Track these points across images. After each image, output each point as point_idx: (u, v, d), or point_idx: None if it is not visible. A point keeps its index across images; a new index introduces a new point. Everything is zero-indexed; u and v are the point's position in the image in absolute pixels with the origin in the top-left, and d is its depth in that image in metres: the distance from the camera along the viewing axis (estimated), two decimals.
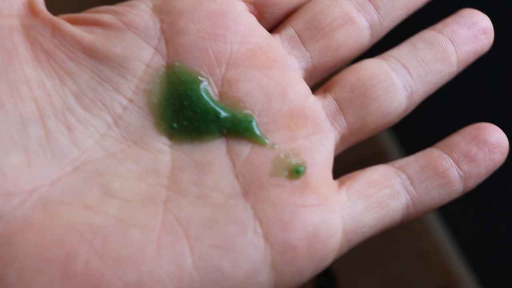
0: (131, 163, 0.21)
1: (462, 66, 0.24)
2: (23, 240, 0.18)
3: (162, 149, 0.21)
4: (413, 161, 0.23)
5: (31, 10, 0.21)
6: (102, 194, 0.20)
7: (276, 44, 0.23)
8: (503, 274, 0.67)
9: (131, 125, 0.21)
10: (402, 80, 0.23)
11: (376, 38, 0.24)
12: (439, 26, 0.24)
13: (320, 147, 0.22)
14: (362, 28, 0.24)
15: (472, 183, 0.23)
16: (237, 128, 0.22)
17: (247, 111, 0.22)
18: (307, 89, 0.23)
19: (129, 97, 0.21)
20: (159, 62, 0.22)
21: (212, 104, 0.22)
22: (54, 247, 0.19)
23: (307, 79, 0.23)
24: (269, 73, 0.22)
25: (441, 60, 0.24)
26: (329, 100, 0.23)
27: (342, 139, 0.23)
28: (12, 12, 0.21)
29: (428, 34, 0.24)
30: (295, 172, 0.21)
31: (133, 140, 0.21)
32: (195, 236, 0.20)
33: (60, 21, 0.21)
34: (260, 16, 0.24)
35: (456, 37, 0.24)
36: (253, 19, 0.23)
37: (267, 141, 0.22)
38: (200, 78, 0.22)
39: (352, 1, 0.24)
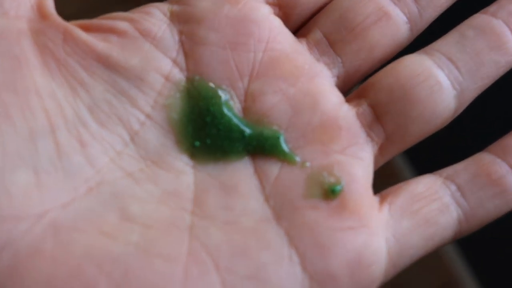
0: (150, 184, 0.19)
1: None
2: (33, 271, 0.16)
3: (184, 169, 0.19)
4: (463, 169, 0.20)
5: (40, 13, 0.19)
6: (121, 219, 0.18)
7: (303, 50, 0.21)
8: (503, 271, 0.66)
9: (149, 143, 0.19)
10: (449, 77, 0.20)
11: (416, 33, 0.21)
12: (492, 8, 0.21)
13: (358, 161, 0.20)
14: (399, 24, 0.21)
15: None
16: (263, 146, 0.20)
17: (273, 127, 0.20)
18: (340, 97, 0.21)
19: (147, 112, 0.19)
20: (178, 75, 0.20)
21: (236, 120, 0.20)
22: (68, 279, 0.16)
23: (340, 86, 0.21)
24: (296, 83, 0.20)
25: (496, 49, 0.20)
26: (364, 107, 0.21)
27: (382, 150, 0.21)
28: (20, 14, 0.19)
29: (479, 19, 0.21)
30: (331, 192, 0.19)
31: (152, 159, 0.19)
32: (226, 266, 0.18)
33: (72, 27, 0.19)
34: (286, 18, 0.22)
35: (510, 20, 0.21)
36: (278, 23, 0.21)
37: (297, 158, 0.20)
38: (221, 92, 0.20)
39: None
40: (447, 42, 0.21)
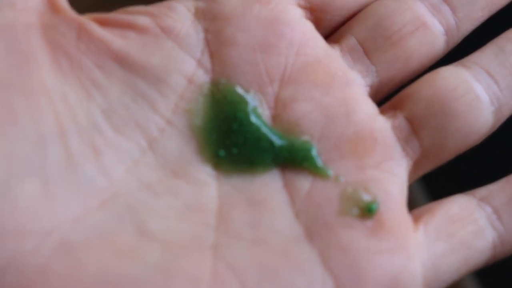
0: (170, 197, 0.17)
1: None
2: None
3: (207, 181, 0.18)
4: (498, 190, 0.19)
5: (52, 6, 0.17)
6: (138, 236, 0.16)
7: (336, 56, 0.20)
8: (503, 272, 0.64)
9: (169, 151, 0.18)
10: (488, 92, 0.19)
11: (452, 45, 0.20)
12: None
13: (393, 177, 0.18)
14: (436, 35, 0.20)
15: None
16: (294, 158, 0.18)
17: (305, 137, 0.18)
18: (374, 108, 0.19)
19: (167, 117, 0.18)
20: (202, 77, 0.18)
21: (265, 128, 0.18)
22: None
23: (373, 96, 0.20)
24: (329, 91, 0.19)
25: None
26: (400, 119, 0.19)
27: (416, 165, 0.19)
28: (29, 6, 0.17)
29: None
30: (367, 211, 0.17)
31: (172, 169, 0.17)
32: None
33: (87, 21, 0.18)
34: (318, 23, 0.20)
35: None
36: (310, 27, 0.20)
37: (330, 172, 0.18)
38: (250, 97, 0.18)
39: (425, 2, 0.20)
40: (485, 55, 0.20)
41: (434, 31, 0.20)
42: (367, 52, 0.20)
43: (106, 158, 0.17)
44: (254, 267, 0.16)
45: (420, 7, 0.20)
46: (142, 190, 0.17)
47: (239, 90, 0.18)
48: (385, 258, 0.17)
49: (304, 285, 0.16)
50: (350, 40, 0.20)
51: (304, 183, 0.18)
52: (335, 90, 0.19)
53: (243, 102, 0.18)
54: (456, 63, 0.20)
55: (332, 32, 0.21)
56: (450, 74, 0.19)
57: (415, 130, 0.19)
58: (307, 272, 0.17)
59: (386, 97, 0.20)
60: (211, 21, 0.19)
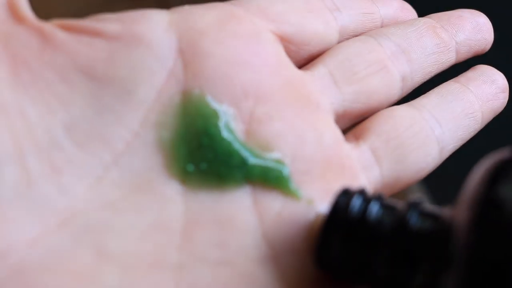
0: (133, 215, 0.17)
1: (483, 124, 0.22)
2: None
3: (173, 197, 0.17)
4: None
5: (13, 14, 0.17)
6: (96, 258, 0.16)
7: (308, 80, 0.20)
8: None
9: (135, 166, 0.17)
10: (435, 133, 0.21)
11: (404, 93, 0.22)
12: (462, 79, 0.22)
13: None
14: (395, 79, 0.21)
15: None
16: (267, 178, 0.18)
17: (277, 157, 0.18)
18: (341, 135, 0.19)
19: (134, 130, 0.17)
20: (174, 88, 0.18)
21: (237, 145, 0.18)
22: None
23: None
24: (302, 113, 0.19)
25: (468, 116, 0.21)
26: (364, 149, 0.19)
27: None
28: None
29: (454, 87, 0.22)
30: None
31: (137, 185, 0.17)
32: None
33: (52, 29, 0.17)
34: (286, 51, 0.20)
35: (480, 93, 0.22)
36: (281, 51, 0.20)
37: (302, 194, 0.18)
38: (223, 111, 0.18)
39: (385, 48, 0.21)
40: (431, 101, 0.21)
41: (393, 76, 0.21)
42: (337, 82, 0.20)
43: (66, 176, 0.16)
44: None
45: (382, 51, 0.21)
46: (104, 209, 0.16)
47: (213, 103, 0.18)
48: None
49: None
50: (321, 69, 0.20)
51: (275, 203, 0.17)
52: (307, 112, 0.19)
53: (215, 115, 0.18)
54: (407, 104, 0.21)
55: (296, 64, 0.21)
56: (406, 113, 0.21)
57: (377, 161, 0.19)
58: None
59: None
60: (186, 31, 0.18)
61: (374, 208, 0.16)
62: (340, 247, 0.16)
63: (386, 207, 0.16)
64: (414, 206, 0.16)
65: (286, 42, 0.20)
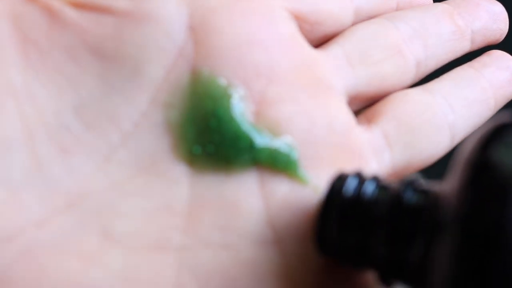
0: (139, 196, 0.17)
1: (495, 111, 0.22)
2: None
3: (179, 179, 0.17)
4: None
5: None
6: (102, 240, 0.16)
7: (322, 61, 0.19)
8: None
9: (142, 147, 0.17)
10: (448, 120, 0.20)
11: (418, 79, 0.21)
12: (477, 64, 0.22)
13: None
14: (410, 64, 0.21)
15: None
16: (275, 162, 0.17)
17: (288, 140, 0.18)
18: (353, 118, 0.19)
19: (143, 110, 0.17)
20: (183, 67, 0.17)
21: (245, 127, 0.17)
22: None
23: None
24: (314, 96, 0.18)
25: (482, 103, 0.21)
26: (375, 133, 0.19)
27: None
28: None
29: (468, 72, 0.22)
30: None
31: (144, 166, 0.17)
32: None
33: (60, 7, 0.17)
34: (300, 30, 0.19)
35: (494, 80, 0.22)
36: (296, 30, 0.19)
37: (310, 179, 0.17)
38: (234, 92, 0.17)
39: (401, 32, 0.21)
40: (444, 86, 0.21)
41: (408, 60, 0.21)
42: (352, 63, 0.20)
43: (74, 157, 0.16)
44: (217, 276, 0.16)
45: (399, 35, 0.21)
46: (111, 190, 0.17)
47: (223, 83, 0.17)
48: None
49: None
50: (337, 49, 0.20)
51: (281, 187, 0.17)
52: (319, 95, 0.18)
53: (225, 96, 0.17)
54: (420, 88, 0.21)
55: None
56: (420, 97, 0.20)
57: (389, 145, 0.19)
58: (270, 285, 0.16)
59: None
60: (197, 8, 0.18)
61: (370, 188, 0.16)
62: (337, 229, 0.16)
63: (382, 187, 0.16)
64: (409, 183, 0.16)
65: (301, 21, 0.19)
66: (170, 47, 0.17)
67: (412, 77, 0.21)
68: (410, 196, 0.15)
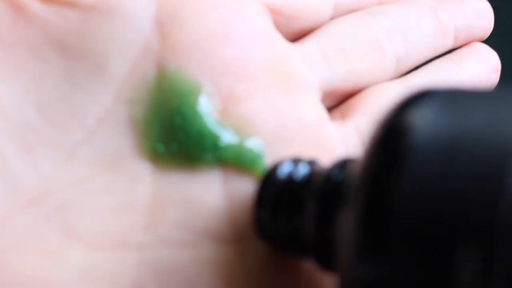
0: (102, 194, 0.17)
1: None
2: None
3: (142, 177, 0.17)
4: None
5: None
6: (64, 237, 0.16)
7: (296, 56, 0.19)
8: None
9: (106, 144, 0.17)
10: None
11: (397, 75, 0.21)
12: (456, 57, 0.22)
13: None
14: (389, 60, 0.20)
15: None
16: (240, 161, 0.17)
17: (253, 138, 0.17)
18: (325, 114, 0.19)
19: (107, 107, 0.17)
20: (149, 62, 0.17)
21: (211, 125, 0.17)
22: None
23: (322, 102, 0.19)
24: (285, 91, 0.18)
25: None
26: (349, 129, 0.19)
27: None
28: None
29: (447, 65, 0.21)
30: None
31: (108, 163, 0.17)
32: None
33: (26, 0, 0.16)
34: (275, 24, 0.19)
35: (473, 72, 0.21)
36: (270, 24, 0.18)
37: None
38: (200, 89, 0.17)
39: (381, 26, 0.20)
40: (422, 79, 0.21)
41: (388, 56, 0.20)
42: (328, 59, 0.19)
43: (37, 154, 0.16)
44: (177, 275, 0.16)
45: (379, 30, 0.20)
46: (74, 188, 0.17)
47: (189, 80, 0.17)
48: None
49: None
50: (313, 44, 0.19)
51: (245, 186, 0.17)
52: (291, 91, 0.18)
53: (190, 93, 0.17)
54: (397, 82, 0.20)
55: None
56: (394, 91, 0.20)
57: (361, 141, 0.19)
58: (229, 284, 0.17)
59: None
60: (166, 1, 0.17)
61: (302, 170, 0.16)
62: (271, 212, 0.16)
63: (316, 170, 0.16)
64: (339, 162, 0.15)
65: (276, 15, 0.19)
66: (136, 41, 0.17)
67: (392, 73, 0.20)
68: (337, 174, 0.15)
